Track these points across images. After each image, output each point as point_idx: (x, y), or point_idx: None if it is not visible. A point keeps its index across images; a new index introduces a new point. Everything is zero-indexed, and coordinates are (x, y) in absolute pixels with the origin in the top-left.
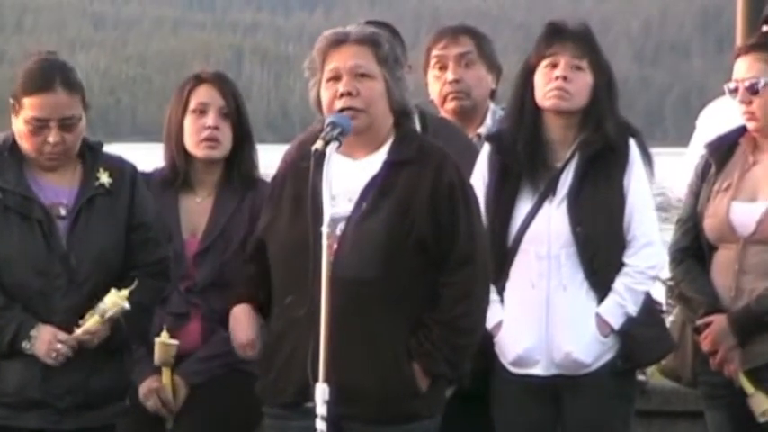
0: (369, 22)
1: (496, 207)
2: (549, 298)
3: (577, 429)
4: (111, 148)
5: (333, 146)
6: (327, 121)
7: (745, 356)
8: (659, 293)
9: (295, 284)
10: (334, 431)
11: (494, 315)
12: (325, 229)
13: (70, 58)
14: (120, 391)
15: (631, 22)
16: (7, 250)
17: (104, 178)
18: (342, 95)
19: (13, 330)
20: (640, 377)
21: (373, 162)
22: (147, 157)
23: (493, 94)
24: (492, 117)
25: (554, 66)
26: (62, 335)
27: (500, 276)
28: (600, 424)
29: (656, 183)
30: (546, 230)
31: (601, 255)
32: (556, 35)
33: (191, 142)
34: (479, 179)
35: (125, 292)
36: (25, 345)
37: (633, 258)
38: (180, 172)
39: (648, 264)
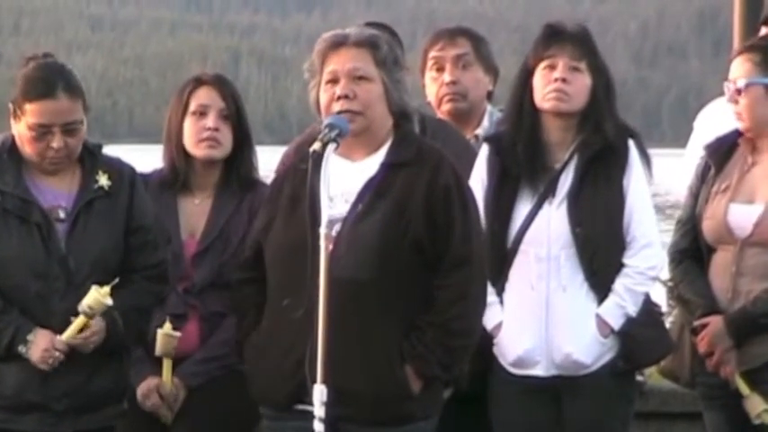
0: (368, 24)
1: (496, 209)
2: (549, 299)
3: (577, 430)
4: (108, 150)
5: (330, 147)
6: (325, 122)
7: (742, 358)
8: (660, 295)
9: (292, 286)
10: None
11: (493, 316)
12: (323, 231)
13: (67, 60)
14: (119, 393)
15: (629, 24)
16: (6, 253)
17: (103, 180)
18: (339, 98)
19: (10, 334)
20: (638, 378)
21: (371, 164)
22: (145, 158)
23: (490, 96)
24: (489, 119)
25: (552, 67)
26: (59, 342)
27: (499, 278)
28: (599, 425)
29: (654, 184)
30: (545, 231)
31: (600, 256)
32: (554, 37)
33: (190, 143)
34: (478, 181)
35: (106, 288)
36: (21, 348)
37: (633, 259)
38: (179, 173)
39: (648, 264)
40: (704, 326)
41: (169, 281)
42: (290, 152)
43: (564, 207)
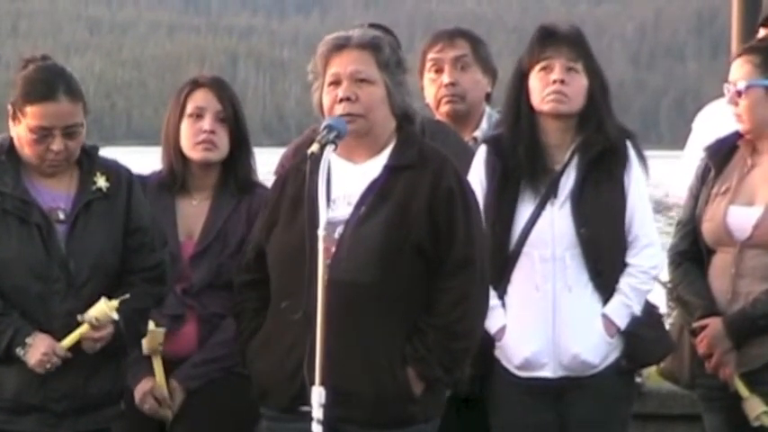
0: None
1: (497, 211)
2: (555, 300)
3: (578, 429)
4: (106, 152)
5: (329, 149)
6: (323, 124)
7: (741, 360)
8: (659, 296)
9: (291, 288)
10: None
11: (496, 320)
12: (321, 233)
13: (65, 62)
14: (116, 394)
15: (626, 26)
16: (6, 254)
17: (101, 182)
18: (341, 100)
19: (8, 336)
20: (637, 380)
21: (374, 166)
22: (143, 160)
23: (488, 98)
24: (487, 120)
25: (549, 69)
26: (59, 348)
27: (501, 281)
28: (600, 424)
29: (652, 185)
30: (549, 233)
31: (605, 255)
32: (549, 38)
33: (187, 146)
34: (476, 183)
35: (114, 303)
36: (19, 351)
37: (636, 258)
38: (177, 175)
39: (651, 264)
40: (703, 327)
41: (167, 282)
42: (288, 154)
43: (567, 208)
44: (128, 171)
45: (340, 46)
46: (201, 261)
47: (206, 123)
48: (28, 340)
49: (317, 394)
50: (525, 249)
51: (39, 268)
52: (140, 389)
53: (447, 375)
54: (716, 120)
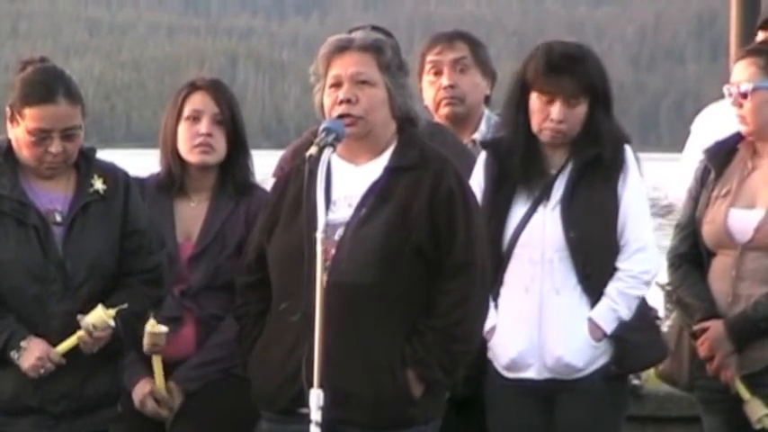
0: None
1: (492, 212)
2: (543, 302)
3: None
4: (105, 154)
5: (327, 151)
6: (322, 126)
7: (742, 362)
8: (657, 298)
9: (290, 289)
10: None
11: (488, 320)
12: (319, 235)
13: (65, 64)
14: (113, 396)
15: (626, 28)
16: (3, 256)
17: (98, 184)
18: (342, 102)
19: (3, 339)
20: (635, 382)
21: (374, 168)
22: (142, 162)
23: (487, 100)
24: (486, 123)
25: (550, 102)
26: (54, 354)
27: (494, 281)
28: (587, 429)
29: (652, 188)
30: (540, 235)
31: (594, 259)
32: (552, 72)
33: (184, 148)
34: (476, 185)
35: (112, 311)
36: (13, 354)
37: (626, 263)
38: (175, 178)
39: (642, 268)
40: (704, 330)
41: (165, 285)
42: (287, 156)
43: (558, 210)
44: (125, 173)
45: (342, 48)
46: (199, 263)
47: (203, 126)
48: (23, 344)
49: (316, 396)
50: (516, 251)
51: (36, 270)
52: (139, 391)
53: (447, 377)
54: (715, 122)
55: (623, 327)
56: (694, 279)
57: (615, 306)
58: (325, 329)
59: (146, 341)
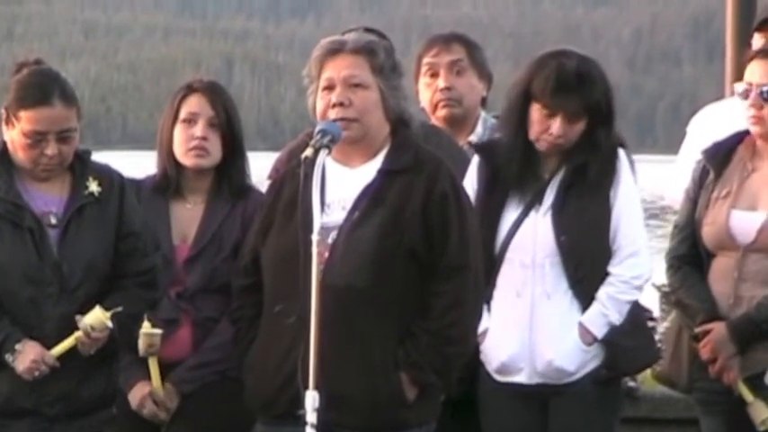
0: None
1: (484, 216)
2: (534, 306)
3: None
4: (101, 156)
5: (322, 153)
6: (317, 128)
7: (745, 364)
8: (653, 300)
9: (285, 292)
10: None
11: (480, 323)
12: (315, 237)
13: (60, 66)
14: (108, 398)
15: (622, 30)
16: None
17: (93, 187)
18: (335, 105)
19: None
20: (631, 384)
21: (368, 171)
22: (138, 164)
23: (484, 102)
24: (483, 125)
25: (551, 116)
26: (49, 357)
27: (487, 285)
28: None
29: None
30: (531, 239)
31: (585, 264)
32: (556, 91)
33: (180, 151)
34: (469, 188)
35: (109, 313)
36: (8, 357)
37: (618, 268)
38: (171, 180)
39: (633, 273)
40: (706, 332)
41: (160, 287)
42: (282, 158)
43: (549, 215)
44: (120, 176)
45: (334, 50)
46: (196, 265)
47: (198, 130)
48: (17, 347)
49: (311, 398)
50: (508, 255)
51: (31, 272)
52: (138, 393)
53: (440, 380)
54: (711, 123)
55: (614, 331)
56: (694, 280)
57: (606, 311)
58: (320, 332)
59: (141, 343)
